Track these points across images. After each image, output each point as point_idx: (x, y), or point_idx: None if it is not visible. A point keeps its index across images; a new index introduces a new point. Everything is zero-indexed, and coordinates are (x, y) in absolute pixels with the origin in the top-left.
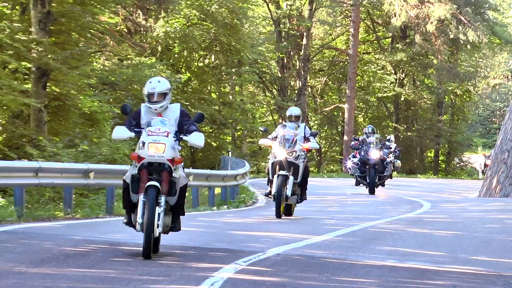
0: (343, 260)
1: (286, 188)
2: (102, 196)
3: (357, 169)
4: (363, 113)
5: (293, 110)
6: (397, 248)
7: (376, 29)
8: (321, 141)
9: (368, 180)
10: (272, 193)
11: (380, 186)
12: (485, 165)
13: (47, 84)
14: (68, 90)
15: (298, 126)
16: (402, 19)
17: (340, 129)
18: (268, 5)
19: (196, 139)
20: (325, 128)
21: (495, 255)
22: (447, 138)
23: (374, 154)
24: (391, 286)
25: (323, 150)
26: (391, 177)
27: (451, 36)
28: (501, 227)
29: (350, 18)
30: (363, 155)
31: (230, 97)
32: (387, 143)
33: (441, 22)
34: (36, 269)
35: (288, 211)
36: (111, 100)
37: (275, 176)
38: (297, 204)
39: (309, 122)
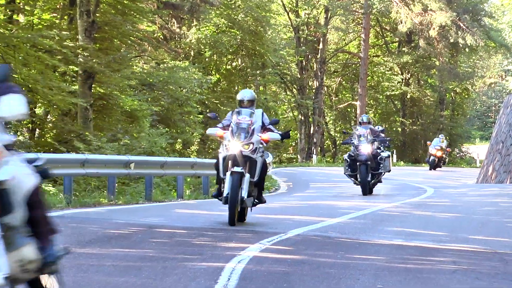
0: (355, 239)
1: (242, 188)
2: (141, 184)
3: (347, 167)
4: (373, 110)
5: (245, 93)
6: (404, 229)
7: (385, 35)
8: (335, 134)
9: (359, 179)
10: (224, 194)
11: (378, 183)
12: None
13: (92, 85)
14: (111, 91)
15: (253, 113)
16: (407, 25)
17: (353, 124)
18: (288, 14)
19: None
20: (339, 122)
21: (491, 234)
22: (448, 131)
23: (365, 149)
24: (398, 262)
25: (337, 142)
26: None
27: (451, 40)
28: (496, 210)
29: (361, 25)
30: (353, 150)
31: (257, 95)
32: (381, 134)
33: (442, 28)
34: (83, 249)
35: (242, 216)
36: (149, 99)
37: (228, 173)
38: (251, 208)
39: (325, 118)
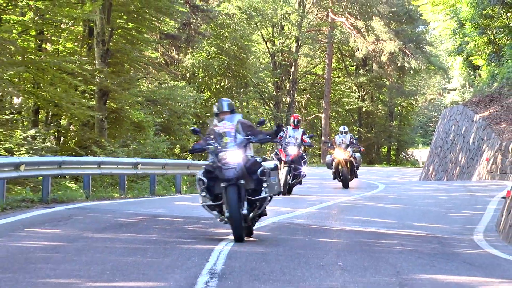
0: (321, 226)
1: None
2: (146, 181)
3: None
4: (335, 121)
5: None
6: (360, 217)
7: (344, 60)
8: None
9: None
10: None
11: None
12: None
13: (107, 101)
14: (122, 106)
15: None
16: (363, 52)
17: (319, 132)
18: (266, 43)
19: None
20: (308, 131)
21: (431, 222)
22: (396, 138)
23: (291, 150)
24: (356, 244)
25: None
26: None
27: (399, 64)
28: (435, 202)
29: (326, 52)
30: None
31: (239, 109)
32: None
33: (391, 54)
34: (98, 234)
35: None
36: (153, 112)
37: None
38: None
39: None
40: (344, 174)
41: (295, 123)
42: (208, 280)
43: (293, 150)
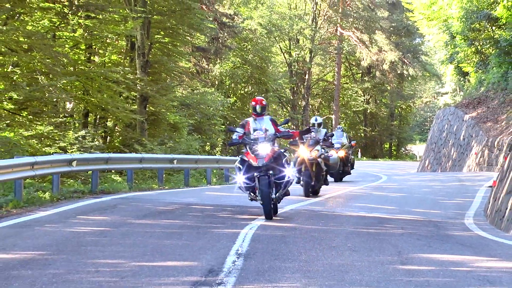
0: (332, 212)
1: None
2: (181, 174)
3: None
4: (344, 121)
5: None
6: (366, 204)
7: (351, 68)
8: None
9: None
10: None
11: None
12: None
13: (147, 105)
14: (160, 109)
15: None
16: (367, 61)
17: (330, 130)
18: (284, 54)
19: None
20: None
21: (427, 208)
22: (396, 135)
23: (263, 149)
24: (362, 228)
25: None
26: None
27: (398, 72)
28: (431, 191)
29: (335, 62)
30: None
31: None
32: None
33: (392, 63)
34: (139, 220)
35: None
36: (186, 115)
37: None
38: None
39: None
40: (305, 180)
41: (259, 110)
42: (235, 260)
43: (265, 149)
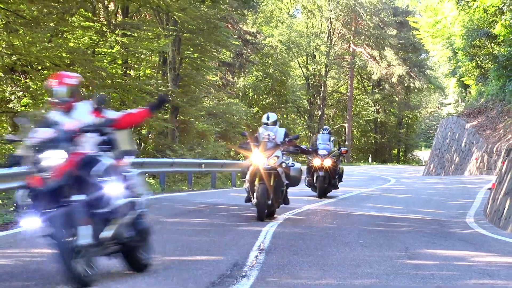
0: (345, 211)
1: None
2: (208, 178)
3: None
4: (356, 129)
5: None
6: (376, 205)
7: (363, 81)
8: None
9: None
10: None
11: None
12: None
13: (178, 114)
14: (189, 118)
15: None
16: (377, 75)
17: (343, 138)
18: (301, 69)
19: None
20: (335, 138)
21: (432, 208)
22: (404, 142)
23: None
24: (373, 226)
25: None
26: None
27: (406, 84)
28: (435, 192)
29: (348, 75)
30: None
31: (281, 121)
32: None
33: (400, 76)
34: (171, 219)
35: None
36: (213, 123)
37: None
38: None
39: None
40: (258, 198)
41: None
42: (258, 255)
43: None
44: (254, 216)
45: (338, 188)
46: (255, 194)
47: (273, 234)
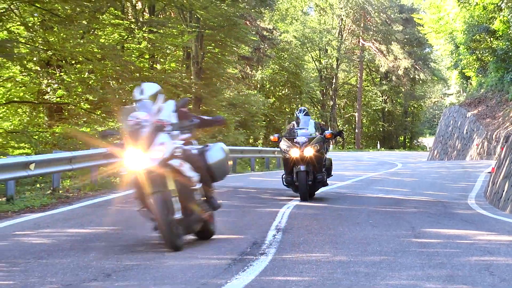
0: (356, 194)
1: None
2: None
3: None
4: (365, 118)
5: (301, 110)
6: (384, 188)
7: (372, 73)
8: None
9: None
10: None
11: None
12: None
13: (200, 105)
14: (211, 108)
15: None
16: (385, 68)
17: (353, 126)
18: (314, 62)
19: None
20: (346, 126)
21: (436, 190)
22: (410, 130)
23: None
24: (382, 207)
25: (345, 136)
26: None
27: (411, 76)
28: (439, 176)
29: (358, 68)
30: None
31: (296, 110)
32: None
33: (406, 69)
34: None
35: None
36: (233, 113)
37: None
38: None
39: (337, 123)
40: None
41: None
42: (275, 234)
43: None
44: (271, 198)
45: (327, 184)
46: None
47: (289, 215)
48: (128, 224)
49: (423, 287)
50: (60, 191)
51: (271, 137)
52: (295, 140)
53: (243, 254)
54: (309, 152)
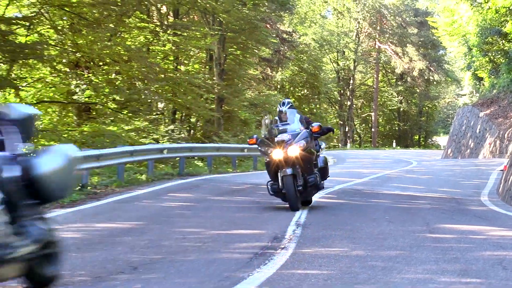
0: (372, 190)
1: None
2: (251, 161)
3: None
4: (381, 117)
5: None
6: (400, 185)
7: (387, 75)
8: (360, 131)
9: None
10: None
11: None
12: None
13: (223, 105)
14: (233, 108)
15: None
16: (400, 69)
17: (370, 125)
18: (332, 64)
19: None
20: (363, 125)
21: (450, 187)
22: (424, 129)
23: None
24: (398, 204)
25: (362, 136)
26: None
27: (426, 77)
28: (453, 173)
29: (374, 69)
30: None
31: (314, 110)
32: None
33: (420, 70)
34: (217, 197)
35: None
36: (254, 113)
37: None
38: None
39: (354, 122)
40: None
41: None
42: (295, 229)
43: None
44: None
45: (323, 187)
46: None
47: (308, 211)
48: (154, 220)
49: (437, 281)
50: (89, 187)
51: (248, 140)
52: (276, 139)
53: (264, 248)
54: (294, 151)
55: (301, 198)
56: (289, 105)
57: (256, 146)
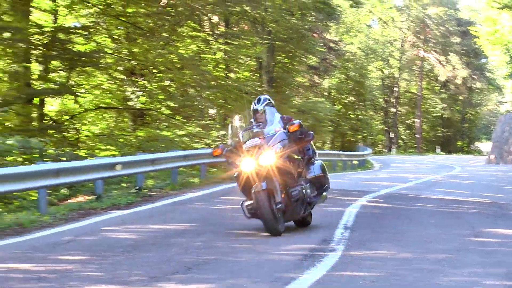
0: (418, 195)
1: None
2: None
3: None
4: (425, 124)
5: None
6: (444, 189)
7: (431, 82)
8: (404, 137)
9: None
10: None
11: None
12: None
13: None
14: (282, 115)
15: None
16: (443, 77)
17: (414, 131)
18: (378, 72)
19: None
20: (408, 131)
21: (493, 192)
22: (467, 135)
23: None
24: (442, 208)
25: (406, 141)
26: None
27: (468, 85)
28: (496, 179)
29: (418, 77)
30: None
31: (361, 117)
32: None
33: (463, 78)
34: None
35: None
36: (302, 119)
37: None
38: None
39: (399, 128)
40: None
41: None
42: (343, 232)
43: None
44: (338, 198)
45: (315, 202)
46: None
47: (355, 214)
48: (206, 221)
49: (483, 284)
50: (144, 190)
51: (212, 151)
52: (245, 146)
53: (314, 250)
54: (268, 159)
55: (283, 218)
56: (266, 102)
57: (222, 158)
